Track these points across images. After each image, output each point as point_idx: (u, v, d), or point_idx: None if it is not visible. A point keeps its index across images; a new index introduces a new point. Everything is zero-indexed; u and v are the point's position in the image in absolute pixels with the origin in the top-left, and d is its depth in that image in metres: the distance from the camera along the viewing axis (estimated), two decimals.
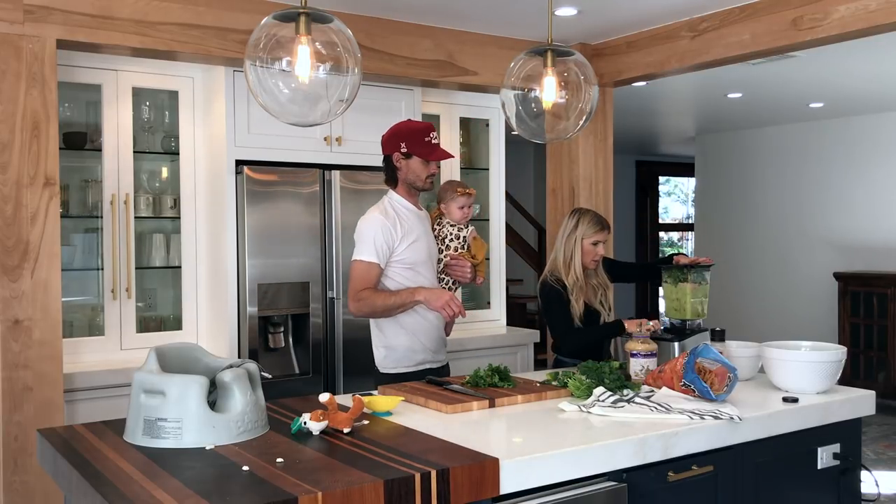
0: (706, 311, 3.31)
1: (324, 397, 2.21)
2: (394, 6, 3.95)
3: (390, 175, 3.19)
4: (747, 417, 2.39)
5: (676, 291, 3.32)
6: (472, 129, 5.16)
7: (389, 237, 3.07)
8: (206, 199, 4.12)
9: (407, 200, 3.20)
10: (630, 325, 3.13)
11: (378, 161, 4.26)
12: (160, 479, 1.77)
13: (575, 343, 3.42)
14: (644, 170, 11.65)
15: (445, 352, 3.33)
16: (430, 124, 3.22)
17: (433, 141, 3.13)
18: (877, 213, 7.79)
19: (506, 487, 1.93)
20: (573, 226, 3.53)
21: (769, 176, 8.75)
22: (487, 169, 5.03)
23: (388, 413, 2.39)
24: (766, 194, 8.78)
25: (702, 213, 9.64)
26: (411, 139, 3.10)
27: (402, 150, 3.11)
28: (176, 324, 4.15)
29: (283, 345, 4.10)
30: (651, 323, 3.05)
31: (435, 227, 3.36)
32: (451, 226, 3.37)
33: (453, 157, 3.39)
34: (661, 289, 3.69)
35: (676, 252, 4.29)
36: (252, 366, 2.21)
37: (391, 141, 3.15)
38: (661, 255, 10.01)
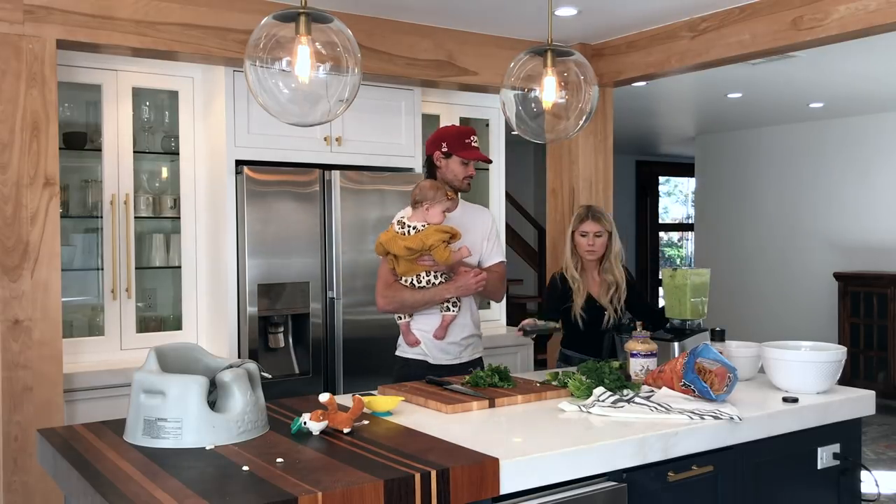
0: (706, 311, 3.31)
1: (324, 397, 2.21)
2: (394, 6, 3.95)
3: (431, 175, 3.29)
4: (747, 417, 2.39)
5: (676, 291, 3.31)
6: None
7: None
8: (206, 199, 4.12)
9: None
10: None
11: (379, 161, 4.33)
12: (160, 479, 1.77)
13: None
14: (644, 170, 11.64)
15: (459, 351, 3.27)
16: (472, 129, 3.34)
17: (473, 143, 3.25)
18: (877, 213, 7.78)
19: (506, 487, 1.93)
20: (570, 221, 3.68)
21: (769, 176, 8.74)
22: (487, 169, 5.03)
23: (388, 413, 2.39)
24: (765, 194, 8.77)
25: (702, 214, 9.64)
26: (452, 140, 3.22)
27: (443, 150, 3.22)
28: (176, 324, 4.15)
29: (283, 345, 4.09)
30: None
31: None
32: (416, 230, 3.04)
33: (491, 161, 3.51)
34: (661, 289, 3.68)
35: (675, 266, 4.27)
36: (252, 366, 2.21)
37: (434, 142, 3.27)
38: (661, 261, 9.95)
